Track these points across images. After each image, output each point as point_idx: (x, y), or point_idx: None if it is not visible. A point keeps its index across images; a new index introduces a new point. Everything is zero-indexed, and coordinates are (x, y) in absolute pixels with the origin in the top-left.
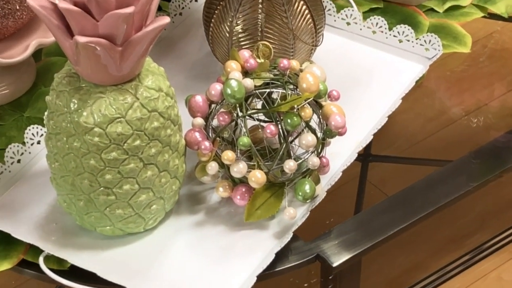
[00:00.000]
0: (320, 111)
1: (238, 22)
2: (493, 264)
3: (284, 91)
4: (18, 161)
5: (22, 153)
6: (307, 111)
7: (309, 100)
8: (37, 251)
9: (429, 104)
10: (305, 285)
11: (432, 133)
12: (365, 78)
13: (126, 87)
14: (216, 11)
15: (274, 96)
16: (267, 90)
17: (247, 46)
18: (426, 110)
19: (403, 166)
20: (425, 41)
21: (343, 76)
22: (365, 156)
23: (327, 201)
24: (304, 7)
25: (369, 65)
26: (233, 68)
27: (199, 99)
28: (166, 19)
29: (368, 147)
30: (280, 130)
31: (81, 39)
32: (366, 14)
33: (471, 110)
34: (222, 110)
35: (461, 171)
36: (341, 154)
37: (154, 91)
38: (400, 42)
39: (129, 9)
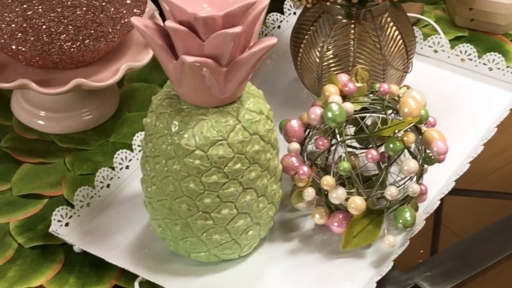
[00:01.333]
0: (420, 137)
1: (329, 47)
2: None
3: (384, 115)
4: (108, 185)
5: (112, 178)
6: (410, 136)
7: (411, 125)
8: (129, 277)
9: (493, 139)
10: None
11: (497, 168)
12: (455, 107)
13: (228, 109)
14: (306, 36)
15: (368, 122)
16: (368, 115)
17: (338, 72)
18: (489, 145)
19: (466, 202)
20: None
21: (433, 104)
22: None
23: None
24: (397, 32)
25: (459, 93)
26: (332, 92)
27: (295, 123)
28: (273, 40)
29: None
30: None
31: (189, 58)
32: (452, 43)
33: None
34: (318, 135)
35: None
36: (436, 182)
37: (256, 113)
38: (490, 70)
39: (237, 29)
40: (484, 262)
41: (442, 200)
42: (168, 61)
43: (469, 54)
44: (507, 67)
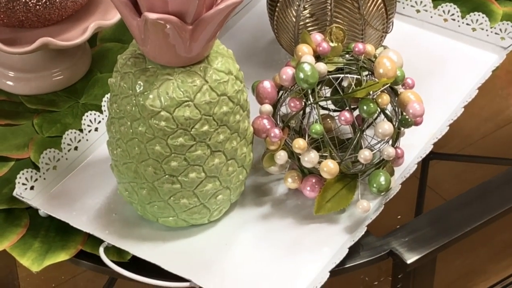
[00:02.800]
0: (396, 98)
1: (306, 6)
2: None
3: (358, 76)
4: (75, 148)
5: (80, 140)
6: (385, 98)
7: (386, 87)
8: (95, 242)
9: (483, 104)
10: (375, 283)
11: (488, 133)
12: (437, 68)
13: (195, 69)
14: None
15: (344, 84)
16: (342, 76)
17: (314, 32)
18: (481, 110)
19: (455, 167)
20: (500, 29)
21: (413, 66)
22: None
23: (388, 206)
24: None
25: (441, 55)
26: (305, 52)
27: (267, 85)
28: None
29: None
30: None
31: (151, 15)
32: (435, 3)
33: None
34: (291, 96)
35: None
36: (414, 146)
37: (224, 74)
38: (473, 30)
39: None
40: (462, 228)
41: (427, 164)
42: (132, 19)
43: (452, 14)
44: (491, 27)
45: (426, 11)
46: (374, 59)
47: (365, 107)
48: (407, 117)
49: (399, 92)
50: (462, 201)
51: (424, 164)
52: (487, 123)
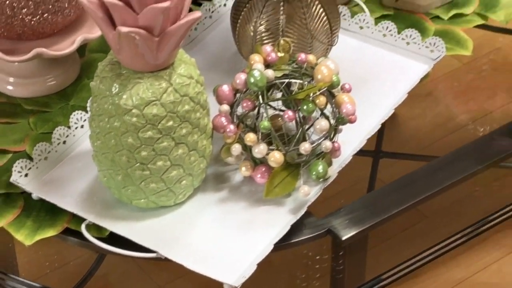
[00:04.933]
0: (333, 100)
1: (262, 22)
2: (494, 257)
3: (301, 81)
4: (64, 142)
5: (67, 135)
6: (321, 99)
7: (323, 90)
8: (79, 221)
9: (436, 111)
10: (317, 257)
11: (439, 138)
12: (376, 76)
13: (162, 74)
14: (242, 13)
15: (293, 88)
16: (286, 80)
17: (270, 44)
18: (434, 117)
19: (411, 166)
20: (430, 43)
21: (355, 74)
22: (376, 153)
23: (340, 196)
24: (321, 10)
25: (379, 65)
26: (256, 60)
27: (225, 88)
28: (197, 14)
29: (379, 145)
30: (297, 117)
31: (123, 29)
32: (378, 20)
33: (476, 118)
34: (245, 98)
35: (459, 159)
36: (352, 142)
37: (186, 78)
38: (407, 44)
39: (166, 3)
40: (390, 210)
41: (377, 162)
42: (108, 31)
43: (390, 30)
44: (423, 41)
45: (368, 27)
46: (315, 67)
47: (305, 107)
48: (342, 115)
49: (336, 95)
50: (392, 188)
51: (375, 161)
52: (439, 128)
